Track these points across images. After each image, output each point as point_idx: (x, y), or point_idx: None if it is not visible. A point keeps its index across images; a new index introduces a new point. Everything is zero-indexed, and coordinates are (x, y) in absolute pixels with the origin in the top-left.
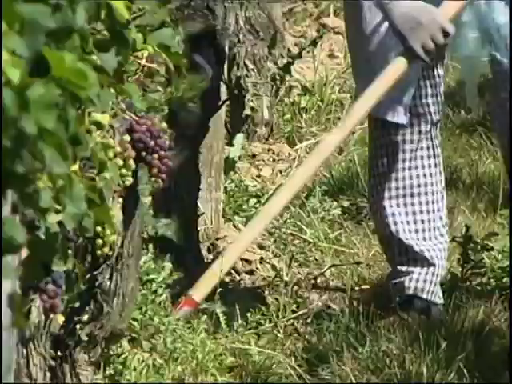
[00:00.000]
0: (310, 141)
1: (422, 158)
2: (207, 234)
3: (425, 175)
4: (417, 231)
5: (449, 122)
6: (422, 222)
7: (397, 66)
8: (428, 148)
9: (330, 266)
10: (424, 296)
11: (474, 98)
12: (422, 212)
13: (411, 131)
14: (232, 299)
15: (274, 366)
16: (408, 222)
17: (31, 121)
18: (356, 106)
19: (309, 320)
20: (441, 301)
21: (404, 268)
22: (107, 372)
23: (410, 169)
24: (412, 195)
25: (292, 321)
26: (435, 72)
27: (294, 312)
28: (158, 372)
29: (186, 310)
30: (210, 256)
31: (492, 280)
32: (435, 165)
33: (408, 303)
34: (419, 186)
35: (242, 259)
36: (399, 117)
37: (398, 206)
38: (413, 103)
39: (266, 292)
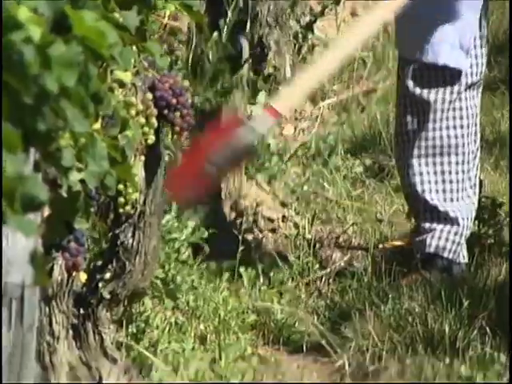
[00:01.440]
0: (332, 99)
1: (454, 118)
2: (230, 192)
3: (456, 136)
4: (444, 191)
5: None
6: (450, 182)
7: None
8: (461, 109)
9: (352, 224)
10: (445, 255)
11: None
12: (450, 172)
13: (444, 90)
14: (254, 257)
15: (297, 324)
16: (436, 182)
17: (52, 78)
18: None
19: (331, 278)
20: (464, 260)
21: (427, 225)
22: (129, 330)
23: (440, 129)
24: (441, 155)
25: (314, 279)
26: (483, 22)
27: (316, 271)
28: (180, 330)
29: (268, 118)
30: (233, 214)
31: None
32: (468, 125)
33: (430, 261)
34: (449, 146)
35: (264, 217)
36: (461, 62)
37: (426, 164)
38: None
39: (289, 250)
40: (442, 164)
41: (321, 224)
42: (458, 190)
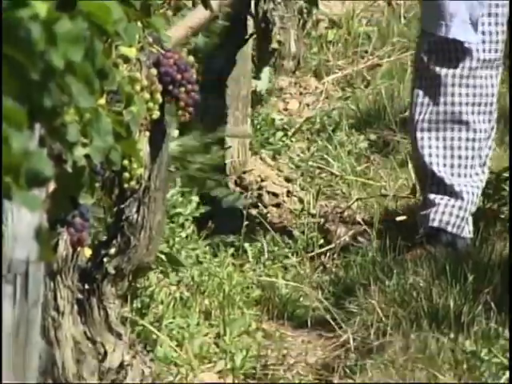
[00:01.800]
0: (336, 74)
1: (466, 95)
2: (234, 167)
3: (467, 113)
4: (452, 166)
5: None
6: (459, 157)
7: None
8: (475, 86)
9: (357, 199)
10: (449, 229)
11: None
12: (460, 148)
13: (455, 65)
14: (259, 232)
15: (301, 298)
16: (444, 156)
17: (59, 55)
18: None
19: (335, 253)
20: (469, 235)
21: (432, 197)
22: (134, 305)
23: (452, 104)
24: (452, 130)
25: (319, 254)
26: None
27: (320, 246)
28: (185, 305)
29: None
30: (238, 189)
31: None
32: (481, 104)
33: (434, 236)
34: (460, 122)
35: (268, 192)
36: (470, 37)
37: (436, 139)
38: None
39: (293, 225)
40: (452, 139)
41: (325, 199)
42: (466, 167)
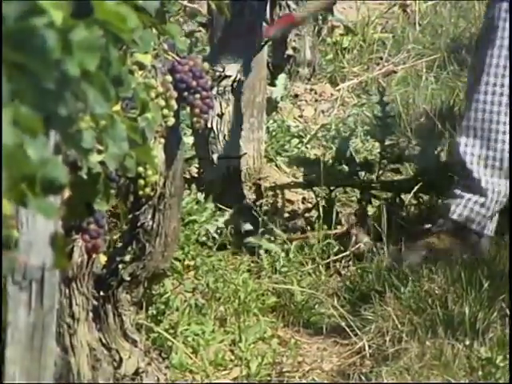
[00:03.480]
0: (352, 81)
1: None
2: (249, 174)
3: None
4: (486, 166)
5: None
6: (494, 159)
7: None
8: None
9: (373, 206)
10: (469, 225)
11: None
12: (495, 150)
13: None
14: (274, 239)
15: (317, 305)
16: (479, 156)
17: (74, 63)
18: None
19: (351, 260)
20: (490, 233)
21: (458, 191)
22: (149, 312)
23: (491, 112)
24: (490, 131)
25: (334, 261)
26: None
27: (336, 253)
28: (200, 312)
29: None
30: (253, 196)
31: None
32: None
33: (452, 228)
34: (498, 123)
35: (284, 199)
36: None
37: (474, 136)
38: None
39: (308, 232)
40: (489, 140)
41: (341, 206)
42: (495, 168)
